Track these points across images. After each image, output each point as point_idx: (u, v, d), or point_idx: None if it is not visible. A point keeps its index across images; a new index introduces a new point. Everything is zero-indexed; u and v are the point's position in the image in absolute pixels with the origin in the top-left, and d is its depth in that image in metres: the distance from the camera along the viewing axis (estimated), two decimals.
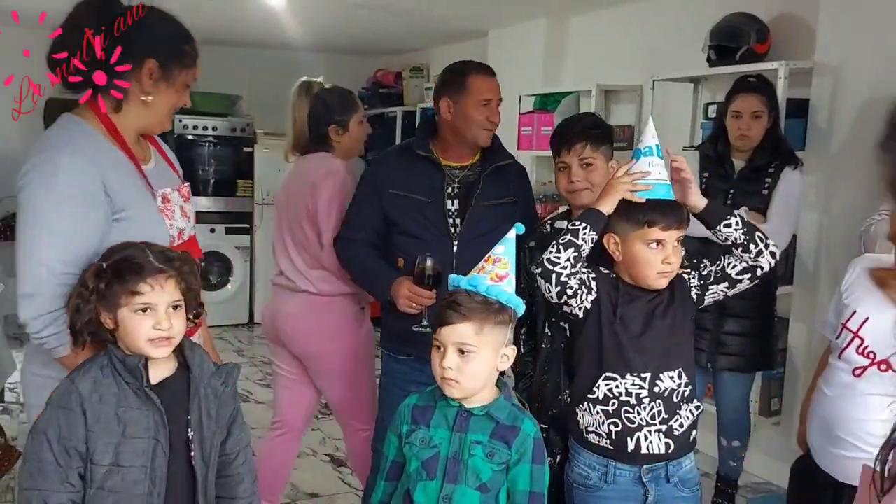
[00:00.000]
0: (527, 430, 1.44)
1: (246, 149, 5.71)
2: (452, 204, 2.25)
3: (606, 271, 1.73)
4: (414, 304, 2.09)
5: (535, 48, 4.48)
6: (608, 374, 1.67)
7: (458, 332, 1.41)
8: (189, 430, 1.40)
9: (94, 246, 1.44)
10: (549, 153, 4.68)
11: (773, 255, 1.66)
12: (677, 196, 1.66)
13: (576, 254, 1.62)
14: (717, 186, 2.69)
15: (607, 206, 1.64)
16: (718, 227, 1.65)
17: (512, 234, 1.50)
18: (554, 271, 1.62)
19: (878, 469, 1.00)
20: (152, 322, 1.36)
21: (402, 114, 5.79)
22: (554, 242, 1.65)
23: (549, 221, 2.06)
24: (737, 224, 1.64)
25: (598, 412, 1.67)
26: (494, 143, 2.30)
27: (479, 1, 4.07)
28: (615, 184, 1.66)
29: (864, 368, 1.58)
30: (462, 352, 1.41)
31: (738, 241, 1.65)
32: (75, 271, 1.41)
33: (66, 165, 1.42)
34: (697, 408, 1.68)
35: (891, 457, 1.01)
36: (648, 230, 1.63)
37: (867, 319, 1.59)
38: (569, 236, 1.63)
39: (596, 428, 1.68)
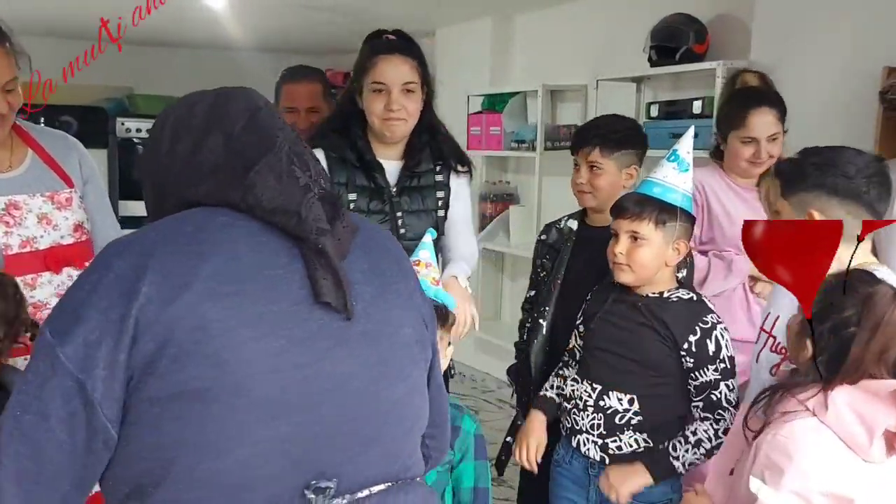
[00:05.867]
0: (467, 429, 1.47)
1: None
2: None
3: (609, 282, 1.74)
4: None
5: (481, 48, 4.51)
6: (574, 375, 1.76)
7: None
8: None
9: None
10: (498, 153, 4.71)
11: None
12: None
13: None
14: None
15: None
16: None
17: (429, 239, 1.53)
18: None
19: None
20: None
21: None
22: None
23: (564, 219, 2.05)
24: (684, 460, 1.60)
25: (565, 406, 1.78)
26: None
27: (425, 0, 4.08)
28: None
29: (778, 365, 1.58)
30: None
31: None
32: None
33: None
34: (647, 442, 1.63)
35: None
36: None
37: (777, 318, 1.59)
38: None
39: (563, 417, 1.78)
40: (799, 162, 1.48)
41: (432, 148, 1.95)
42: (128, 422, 0.88)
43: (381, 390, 0.98)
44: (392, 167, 1.91)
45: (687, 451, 1.59)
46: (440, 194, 1.95)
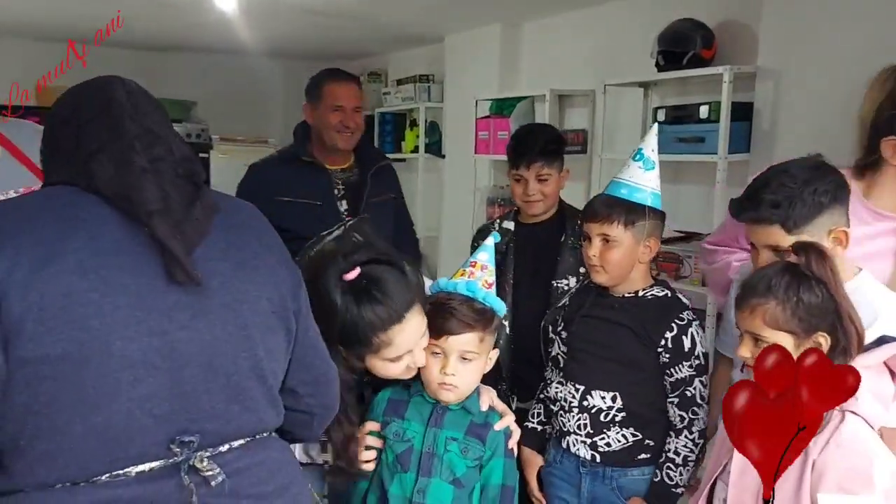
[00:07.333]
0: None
1: (202, 154, 5.66)
2: (341, 205, 2.39)
3: (586, 282, 1.79)
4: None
5: (490, 54, 4.54)
6: (559, 378, 1.78)
7: (464, 341, 1.46)
8: None
9: None
10: (506, 157, 4.73)
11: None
12: None
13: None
14: None
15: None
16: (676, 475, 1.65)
17: (491, 242, 1.56)
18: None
19: None
20: None
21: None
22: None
23: (498, 220, 2.16)
24: (678, 463, 1.65)
25: (551, 407, 1.81)
26: (366, 146, 2.52)
27: (434, 6, 4.11)
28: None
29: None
30: (464, 358, 1.47)
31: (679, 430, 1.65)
32: None
33: None
34: (634, 435, 1.67)
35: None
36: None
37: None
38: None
39: (552, 420, 1.82)
40: (784, 198, 1.46)
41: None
42: (8, 381, 0.96)
43: (241, 354, 1.10)
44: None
45: (680, 473, 1.65)
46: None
